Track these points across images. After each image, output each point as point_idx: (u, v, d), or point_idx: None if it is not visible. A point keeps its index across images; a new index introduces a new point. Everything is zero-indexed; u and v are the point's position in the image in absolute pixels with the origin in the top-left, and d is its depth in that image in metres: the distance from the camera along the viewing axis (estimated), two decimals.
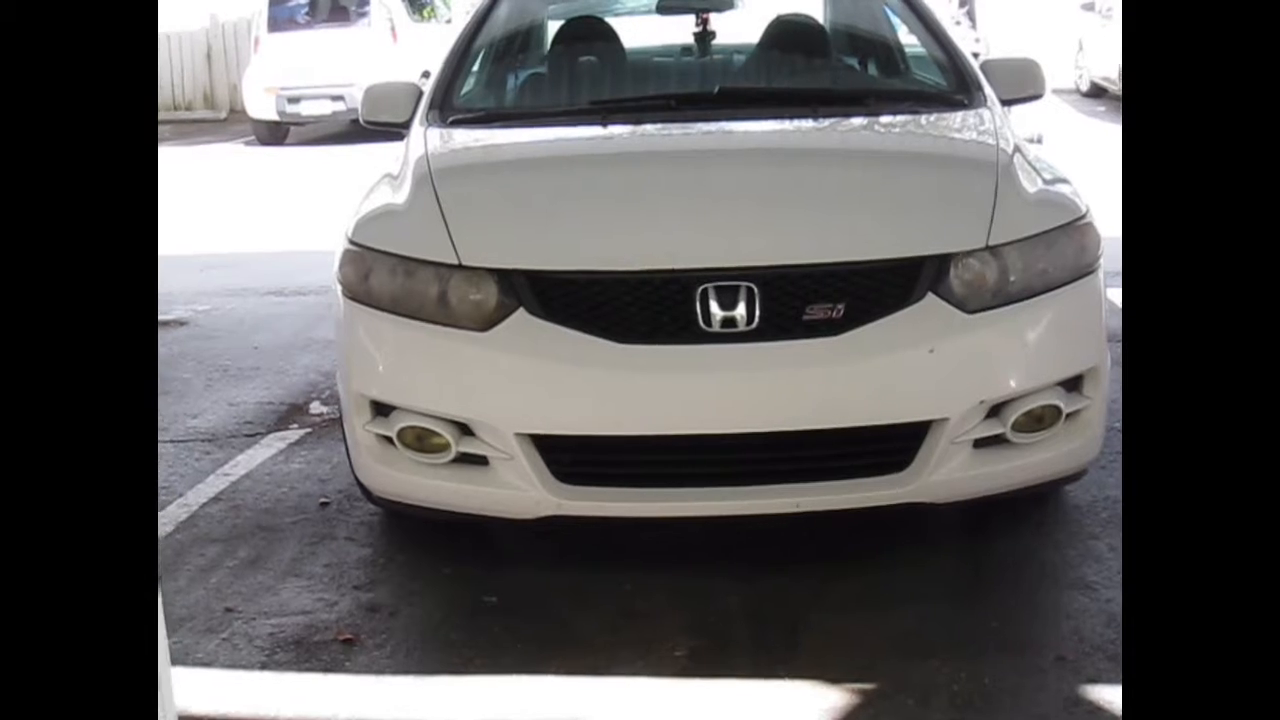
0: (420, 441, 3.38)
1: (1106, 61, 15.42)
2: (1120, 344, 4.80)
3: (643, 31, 5.81)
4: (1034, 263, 3.40)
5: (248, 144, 15.81)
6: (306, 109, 15.14)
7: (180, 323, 6.71)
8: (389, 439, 3.43)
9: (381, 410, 3.44)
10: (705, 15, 5.37)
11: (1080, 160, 8.28)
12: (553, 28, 5.28)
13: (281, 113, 15.25)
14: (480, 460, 3.34)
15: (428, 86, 4.52)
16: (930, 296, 3.29)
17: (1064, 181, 3.79)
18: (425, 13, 16.88)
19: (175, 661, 2.78)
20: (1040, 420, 3.37)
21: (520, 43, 5.17)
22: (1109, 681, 2.93)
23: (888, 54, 5.02)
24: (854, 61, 5.16)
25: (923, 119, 4.26)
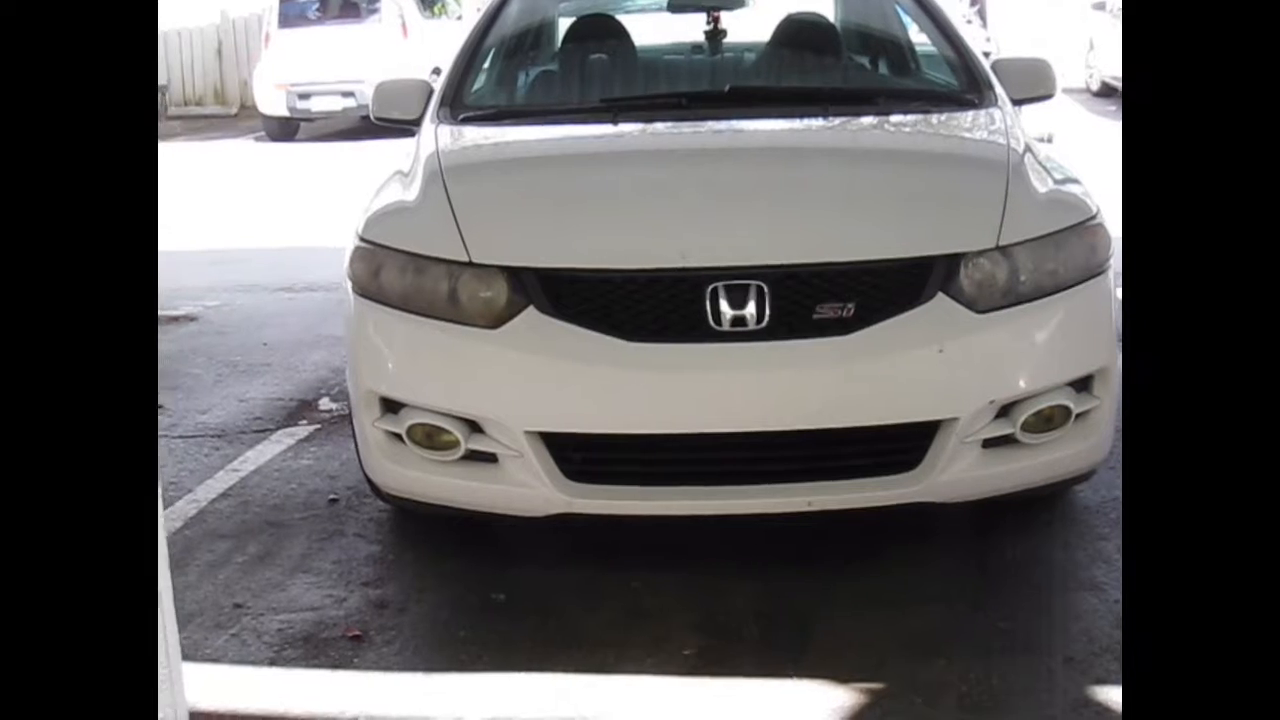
0: (430, 438, 3.39)
1: (1117, 61, 15.40)
2: None
3: (654, 29, 5.80)
4: (1044, 263, 3.39)
5: (258, 140, 15.85)
6: (317, 105, 15.18)
7: (190, 318, 6.72)
8: (398, 436, 3.43)
9: (391, 407, 3.45)
10: (716, 13, 5.37)
11: (1091, 160, 8.27)
12: (563, 25, 5.29)
13: (292, 109, 15.30)
14: (490, 458, 3.34)
15: (439, 83, 4.52)
16: (940, 296, 3.29)
17: (1074, 182, 3.79)
18: (436, 9, 16.90)
19: (185, 657, 2.79)
20: (1050, 420, 3.37)
21: (531, 40, 5.17)
22: (1117, 683, 2.92)
23: (899, 53, 5.01)
24: (865, 60, 5.15)
25: (933, 118, 4.25)
